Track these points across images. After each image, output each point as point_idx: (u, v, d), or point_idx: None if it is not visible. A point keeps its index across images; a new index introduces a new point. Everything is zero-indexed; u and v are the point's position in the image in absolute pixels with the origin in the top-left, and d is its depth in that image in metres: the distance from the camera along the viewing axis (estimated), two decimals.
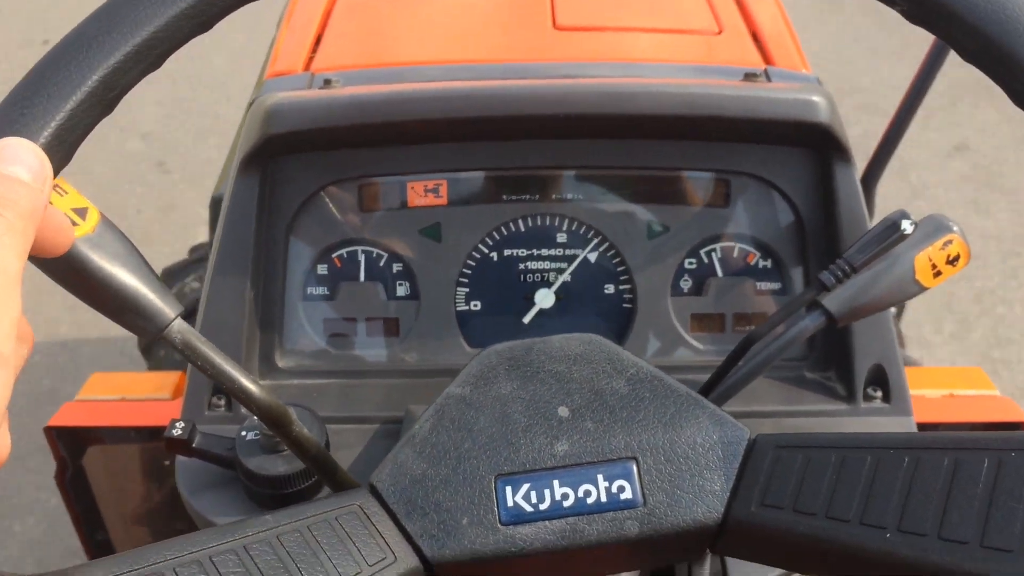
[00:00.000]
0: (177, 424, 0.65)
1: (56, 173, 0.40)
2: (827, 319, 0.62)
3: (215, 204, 1.04)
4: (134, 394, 1.07)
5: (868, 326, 0.74)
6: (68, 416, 1.01)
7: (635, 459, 0.44)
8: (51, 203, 0.40)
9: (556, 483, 0.43)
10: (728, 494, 0.43)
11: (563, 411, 0.45)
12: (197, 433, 0.66)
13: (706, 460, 0.44)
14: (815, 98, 0.72)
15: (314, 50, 0.96)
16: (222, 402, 0.74)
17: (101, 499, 1.10)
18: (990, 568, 0.36)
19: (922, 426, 0.80)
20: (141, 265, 0.49)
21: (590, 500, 0.43)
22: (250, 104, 0.87)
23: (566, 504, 0.43)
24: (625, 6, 1.02)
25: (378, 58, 0.93)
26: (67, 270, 0.47)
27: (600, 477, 0.43)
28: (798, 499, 0.41)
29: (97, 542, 1.13)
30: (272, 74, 0.93)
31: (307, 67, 0.93)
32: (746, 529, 0.42)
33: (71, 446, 1.02)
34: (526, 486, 0.43)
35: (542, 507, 0.43)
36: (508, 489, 0.43)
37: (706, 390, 0.65)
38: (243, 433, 0.67)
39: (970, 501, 0.38)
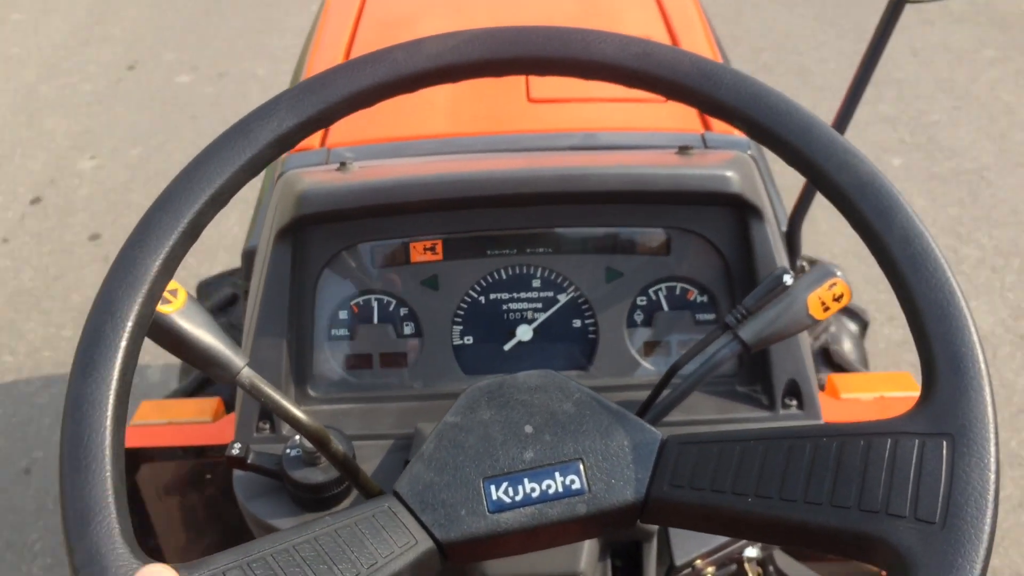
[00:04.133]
0: (235, 445, 0.83)
1: (161, 292, 0.57)
2: (742, 347, 0.80)
3: (248, 256, 1.23)
4: (180, 418, 1.25)
5: (784, 349, 0.92)
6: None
7: (581, 460, 0.62)
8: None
9: (526, 480, 0.61)
10: (648, 480, 0.60)
11: (528, 428, 0.63)
12: (251, 452, 0.84)
13: (631, 457, 0.61)
14: (728, 173, 0.91)
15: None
16: (267, 426, 0.92)
17: (151, 510, 1.28)
18: (838, 520, 0.52)
19: None
20: (217, 330, 0.68)
21: (551, 491, 0.60)
22: (278, 176, 1.05)
23: (534, 495, 0.60)
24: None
25: (383, 132, 1.12)
26: (164, 336, 0.65)
27: (557, 474, 0.61)
28: (693, 480, 0.59)
29: (149, 548, 1.30)
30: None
31: (323, 142, 1.11)
32: (661, 504, 0.60)
33: (127, 466, 1.20)
34: (505, 484, 0.60)
35: (517, 498, 0.60)
36: (492, 487, 0.60)
37: (643, 408, 0.83)
38: (287, 451, 0.85)
39: (827, 474, 0.54)
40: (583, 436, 0.63)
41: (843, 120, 1.08)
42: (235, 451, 0.83)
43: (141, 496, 1.24)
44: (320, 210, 0.90)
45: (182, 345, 0.66)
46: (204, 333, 0.66)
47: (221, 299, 1.66)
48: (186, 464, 1.25)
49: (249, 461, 0.84)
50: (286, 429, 0.93)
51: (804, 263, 1.28)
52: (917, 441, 0.52)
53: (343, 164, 0.97)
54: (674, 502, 0.59)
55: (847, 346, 1.52)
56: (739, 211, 0.94)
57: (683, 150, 0.98)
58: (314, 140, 1.11)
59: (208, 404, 1.28)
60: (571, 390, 0.65)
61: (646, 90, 0.62)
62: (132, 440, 1.18)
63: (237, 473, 0.88)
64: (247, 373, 0.68)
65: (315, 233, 0.94)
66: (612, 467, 0.61)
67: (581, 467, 0.61)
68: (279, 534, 0.55)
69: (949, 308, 0.54)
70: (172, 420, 1.24)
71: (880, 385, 1.19)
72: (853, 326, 1.65)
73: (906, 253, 0.55)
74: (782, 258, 0.95)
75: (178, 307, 0.66)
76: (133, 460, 1.20)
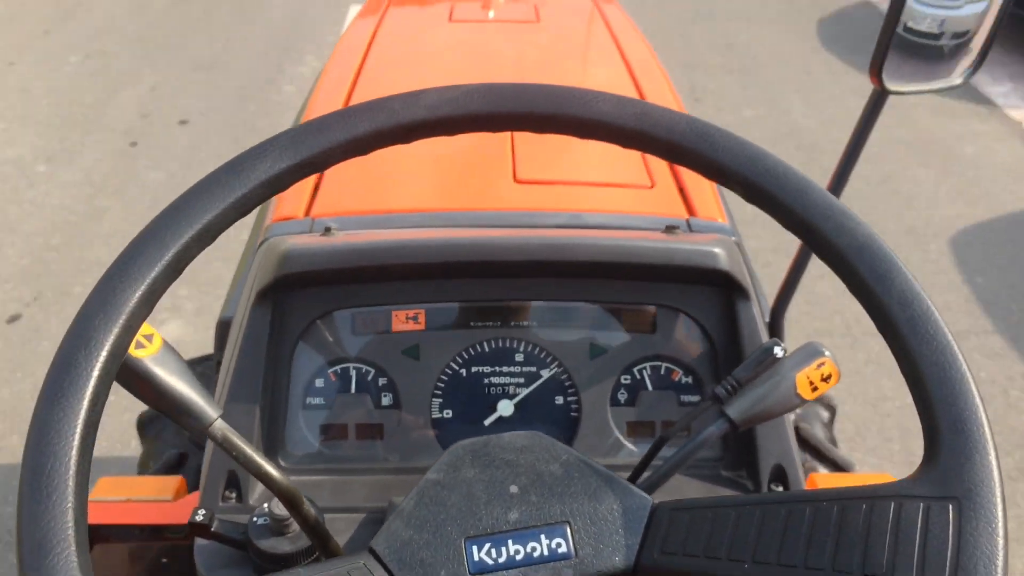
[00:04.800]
0: (199, 511, 0.79)
1: (140, 325, 0.55)
2: (730, 425, 0.78)
3: (222, 326, 1.20)
4: (139, 495, 1.19)
5: (770, 431, 0.90)
6: None
7: (568, 523, 0.59)
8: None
9: (510, 542, 0.58)
10: (638, 546, 0.58)
11: (514, 488, 0.60)
12: (216, 519, 0.80)
13: (621, 521, 0.59)
14: (716, 250, 0.91)
15: (313, 197, 1.14)
16: (233, 495, 0.88)
17: None
18: None
19: None
20: (192, 379, 0.65)
21: (536, 554, 0.57)
22: (260, 243, 1.04)
23: (518, 558, 0.57)
24: (574, 163, 1.22)
25: (369, 205, 1.11)
26: (136, 381, 0.62)
27: (543, 537, 0.58)
28: (686, 546, 0.56)
29: None
30: (277, 218, 1.11)
31: (307, 212, 1.11)
32: (652, 572, 0.57)
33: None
34: (488, 544, 0.57)
35: (500, 560, 0.57)
36: (475, 547, 0.57)
37: (631, 479, 0.81)
38: (254, 519, 0.80)
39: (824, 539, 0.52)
40: (571, 498, 0.60)
41: (836, 187, 1.10)
42: (199, 517, 0.78)
43: None
44: (303, 269, 0.89)
45: (154, 391, 0.63)
46: (178, 381, 0.64)
47: (167, 460, 1.44)
48: (142, 547, 1.19)
49: (213, 529, 0.79)
50: (253, 499, 0.89)
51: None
52: (922, 505, 0.50)
53: (328, 230, 0.96)
54: (666, 569, 0.56)
55: (818, 429, 1.50)
56: (725, 291, 0.93)
57: (669, 229, 0.98)
58: (298, 210, 1.11)
59: (169, 482, 1.22)
60: (559, 452, 0.63)
61: (642, 150, 0.63)
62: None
63: (199, 542, 0.83)
64: (220, 425, 0.65)
65: (295, 297, 0.92)
66: (600, 531, 0.59)
67: (568, 530, 0.58)
68: None
69: (950, 371, 0.53)
70: (130, 497, 1.19)
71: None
72: (824, 413, 1.64)
73: (905, 315, 0.55)
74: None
75: (152, 352, 0.63)
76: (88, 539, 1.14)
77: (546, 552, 0.57)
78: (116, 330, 0.52)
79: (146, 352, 0.62)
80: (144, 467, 1.55)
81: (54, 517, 0.46)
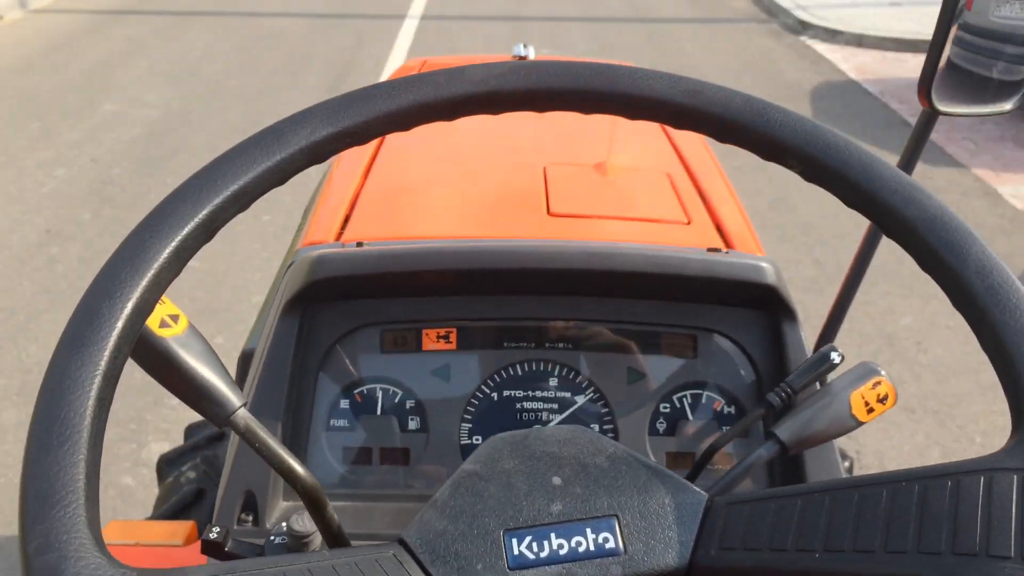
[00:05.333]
0: (214, 528, 0.74)
1: (168, 284, 0.52)
2: (780, 448, 0.73)
3: (245, 358, 1.17)
4: (148, 540, 1.14)
5: (816, 458, 0.85)
6: None
7: (616, 516, 0.54)
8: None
9: (553, 535, 0.52)
10: (692, 543, 0.53)
11: (556, 480, 0.56)
12: (231, 538, 0.74)
13: (673, 517, 0.54)
14: (764, 264, 0.87)
15: (344, 225, 1.12)
16: (250, 518, 0.83)
17: None
18: (929, 568, 0.45)
19: None
20: (216, 363, 0.61)
21: (581, 549, 0.52)
22: (288, 265, 1.02)
23: (562, 552, 0.52)
24: (609, 198, 1.20)
25: (400, 233, 1.09)
26: (158, 363, 0.59)
27: (588, 530, 0.53)
28: (747, 540, 0.51)
29: None
30: (307, 243, 1.08)
31: (338, 238, 1.09)
32: (709, 570, 0.51)
33: None
34: (529, 538, 0.52)
35: (542, 555, 0.51)
36: (514, 540, 0.52)
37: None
38: (272, 538, 0.75)
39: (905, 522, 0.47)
40: (618, 491, 0.55)
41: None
42: (213, 535, 0.73)
43: None
44: (333, 275, 0.86)
45: (175, 374, 0.59)
46: (202, 365, 0.60)
47: (184, 495, 1.43)
48: None
49: (227, 548, 0.74)
50: (271, 522, 0.84)
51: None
52: (1016, 477, 0.45)
53: (360, 244, 0.94)
54: (725, 566, 0.51)
55: None
56: (771, 314, 0.89)
57: (713, 251, 0.95)
58: (329, 236, 1.09)
59: (180, 527, 1.17)
60: (604, 445, 0.58)
61: (695, 130, 0.60)
62: None
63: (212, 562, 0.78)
64: (243, 415, 0.61)
65: (323, 310, 0.89)
66: (651, 526, 0.53)
67: (616, 524, 0.53)
68: (270, 557, 0.47)
69: None
70: (140, 542, 1.13)
71: None
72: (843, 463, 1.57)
73: (985, 284, 0.51)
74: None
75: (177, 332, 0.60)
76: None
77: (592, 547, 0.52)
78: (144, 283, 0.49)
79: (170, 332, 0.59)
80: (159, 509, 1.49)
81: (64, 468, 0.42)
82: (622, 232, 1.12)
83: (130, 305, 0.48)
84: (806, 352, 0.88)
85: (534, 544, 0.52)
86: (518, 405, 0.90)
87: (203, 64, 6.08)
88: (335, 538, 0.67)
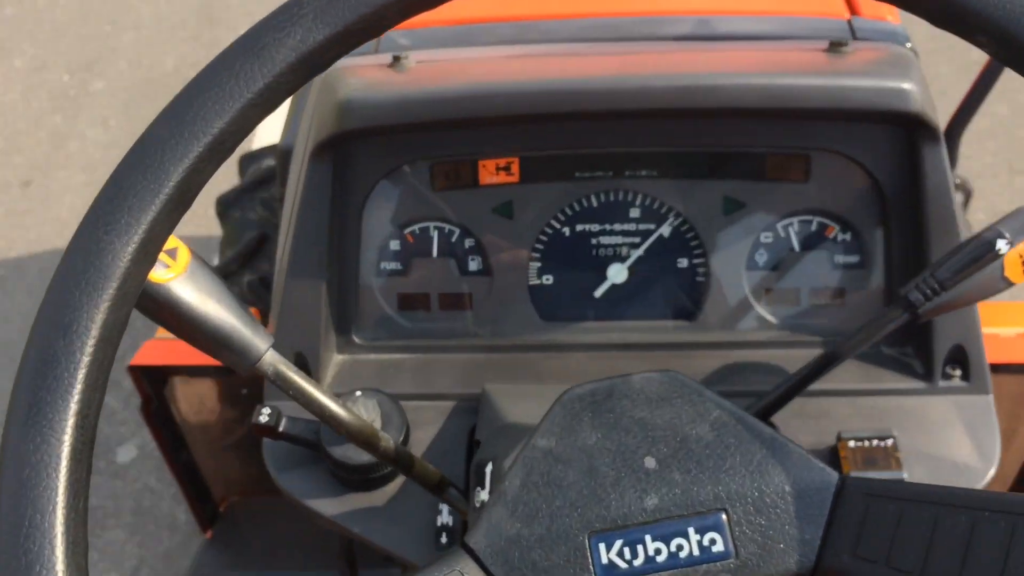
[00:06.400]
0: (263, 411, 0.67)
1: (143, 278, 0.39)
2: (911, 314, 0.62)
3: (283, 155, 1.04)
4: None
5: (951, 323, 0.73)
6: (149, 355, 1.05)
7: (724, 510, 0.45)
8: None
9: (648, 538, 0.44)
10: (819, 542, 0.44)
11: (650, 462, 0.46)
12: (283, 418, 0.68)
13: (795, 508, 0.45)
14: (906, 86, 0.68)
15: None
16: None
17: (184, 426, 1.16)
18: None
19: (994, 367, 0.78)
20: (231, 302, 0.50)
21: (683, 554, 0.44)
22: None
23: (659, 559, 0.44)
24: None
25: (448, 13, 0.89)
26: (162, 311, 0.48)
27: (691, 531, 0.44)
28: (891, 555, 0.42)
29: (183, 464, 1.19)
30: None
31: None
32: None
33: (154, 382, 1.07)
34: (619, 543, 0.44)
35: (636, 563, 0.44)
36: (602, 546, 0.44)
37: (778, 404, 0.65)
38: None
39: None
40: (727, 475, 0.46)
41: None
42: (263, 418, 0.67)
43: (170, 413, 1.12)
44: (366, 125, 0.71)
45: (185, 323, 0.49)
46: (213, 308, 0.49)
47: (247, 243, 1.40)
48: (220, 381, 1.12)
49: (281, 430, 0.68)
50: (326, 382, 0.78)
51: (958, 181, 1.06)
52: None
53: (396, 59, 0.76)
54: None
55: None
56: (906, 131, 0.72)
57: (833, 47, 0.75)
58: None
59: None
60: (707, 405, 0.48)
61: None
62: (157, 356, 1.05)
63: (267, 440, 0.73)
64: (271, 358, 0.52)
65: (361, 148, 0.74)
66: (769, 522, 0.45)
67: (725, 521, 0.45)
68: None
69: None
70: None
71: (1021, 318, 0.99)
72: (958, 196, 1.41)
73: None
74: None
75: (178, 273, 0.49)
76: (161, 376, 1.07)
77: (697, 552, 0.44)
78: (102, 307, 0.36)
79: (171, 273, 0.48)
80: (224, 253, 1.47)
81: (60, 384, 0.33)
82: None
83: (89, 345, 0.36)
84: (948, 179, 0.72)
85: (626, 550, 0.44)
86: (594, 240, 0.78)
87: None
88: (395, 460, 0.61)
